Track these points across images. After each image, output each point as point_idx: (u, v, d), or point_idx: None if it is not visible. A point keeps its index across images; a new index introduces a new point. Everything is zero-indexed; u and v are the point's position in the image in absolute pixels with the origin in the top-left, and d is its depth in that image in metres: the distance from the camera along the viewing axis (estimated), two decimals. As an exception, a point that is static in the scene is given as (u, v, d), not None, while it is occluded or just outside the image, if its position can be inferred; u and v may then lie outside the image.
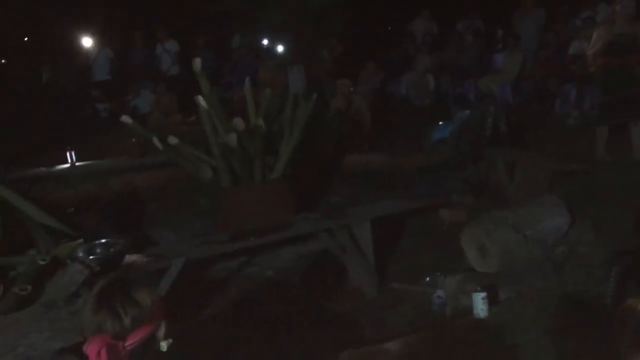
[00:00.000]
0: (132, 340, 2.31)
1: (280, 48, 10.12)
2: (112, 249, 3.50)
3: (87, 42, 9.81)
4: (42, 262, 3.21)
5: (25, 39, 11.26)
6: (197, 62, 4.65)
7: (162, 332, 2.46)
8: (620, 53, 5.42)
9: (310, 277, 4.57)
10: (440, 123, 6.03)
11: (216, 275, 4.52)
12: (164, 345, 2.44)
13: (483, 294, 3.26)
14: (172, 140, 4.56)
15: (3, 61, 11.38)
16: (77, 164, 5.66)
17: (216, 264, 4.59)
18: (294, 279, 4.52)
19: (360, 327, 3.97)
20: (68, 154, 5.64)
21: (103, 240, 3.62)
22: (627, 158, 5.40)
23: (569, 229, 4.06)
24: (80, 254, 3.35)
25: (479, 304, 3.27)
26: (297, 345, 3.55)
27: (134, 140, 5.67)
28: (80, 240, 3.48)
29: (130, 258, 3.65)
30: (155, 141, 4.55)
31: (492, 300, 3.37)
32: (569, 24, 8.35)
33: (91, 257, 3.39)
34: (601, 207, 4.52)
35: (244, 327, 3.75)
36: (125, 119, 4.72)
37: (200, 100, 4.77)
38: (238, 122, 4.46)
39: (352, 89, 7.79)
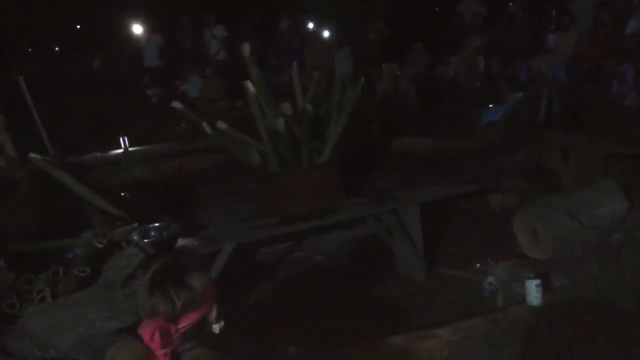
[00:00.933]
0: (184, 323, 2.38)
1: (326, 31, 10.08)
2: (165, 233, 3.59)
3: (137, 28, 10.00)
4: (99, 245, 3.32)
5: (78, 26, 11.57)
6: (246, 47, 4.66)
7: (213, 315, 2.52)
8: None
9: (358, 262, 4.57)
10: (491, 106, 5.89)
11: (265, 259, 4.58)
12: (216, 328, 2.51)
13: (537, 281, 3.17)
14: (221, 125, 4.60)
15: (57, 49, 11.74)
16: (130, 149, 5.80)
17: (265, 248, 4.64)
18: (343, 264, 4.53)
19: (409, 312, 3.95)
20: (121, 139, 5.78)
21: (157, 224, 3.72)
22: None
23: (626, 215, 3.92)
24: (135, 237, 3.45)
25: (533, 291, 3.18)
26: (346, 329, 3.56)
27: (184, 125, 5.76)
28: (135, 224, 3.58)
29: (182, 242, 3.73)
30: (205, 126, 4.60)
31: (545, 288, 3.29)
32: (626, 1, 7.99)
33: (146, 240, 3.49)
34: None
35: (293, 311, 3.78)
36: (176, 104, 4.79)
37: (249, 85, 4.79)
38: (286, 107, 4.46)
39: (399, 72, 7.70)
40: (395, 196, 4.57)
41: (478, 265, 4.00)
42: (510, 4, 9.54)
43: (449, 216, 5.08)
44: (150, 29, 9.83)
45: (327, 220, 4.42)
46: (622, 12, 8.06)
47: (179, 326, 2.33)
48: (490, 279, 3.71)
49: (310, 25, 10.69)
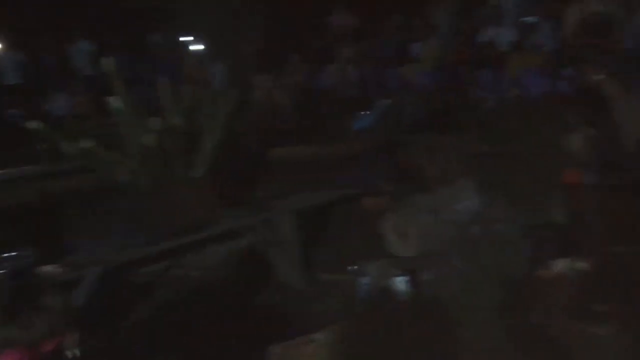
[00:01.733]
0: (42, 350, 2.27)
1: (201, 44, 9.98)
2: (22, 261, 3.34)
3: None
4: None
5: None
6: (108, 62, 4.51)
7: (72, 341, 2.42)
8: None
9: (237, 275, 4.53)
10: (362, 112, 6.10)
11: (140, 280, 4.40)
12: (72, 354, 2.41)
13: (405, 278, 3.34)
14: (86, 143, 4.40)
15: None
16: (-14, 173, 5.37)
17: (140, 268, 4.47)
18: (220, 278, 4.47)
19: (289, 320, 3.97)
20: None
21: (13, 253, 3.46)
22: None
23: (484, 209, 4.20)
24: (-13, 269, 3.18)
25: (402, 287, 3.34)
26: (225, 344, 3.52)
27: (44, 146, 5.43)
28: (-16, 257, 3.30)
29: (43, 269, 3.50)
30: (66, 146, 4.38)
31: (414, 283, 3.46)
32: (481, 12, 8.63)
33: (1, 271, 3.24)
34: (516, 185, 4.74)
35: (168, 333, 3.67)
36: (34, 124, 4.52)
37: (114, 101, 4.62)
38: (155, 122, 4.37)
39: (274, 83, 7.78)
40: (270, 205, 4.60)
41: (353, 267, 4.10)
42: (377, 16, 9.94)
43: (326, 222, 5.17)
44: (7, 45, 9.22)
45: (201, 235, 4.35)
46: (479, 22, 8.70)
47: (38, 353, 2.25)
48: (365, 279, 3.82)
49: (186, 38, 10.54)
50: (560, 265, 3.39)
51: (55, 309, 2.32)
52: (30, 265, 3.32)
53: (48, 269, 3.52)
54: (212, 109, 4.87)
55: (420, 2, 9.67)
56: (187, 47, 9.94)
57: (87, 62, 9.00)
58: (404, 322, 3.36)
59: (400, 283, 3.33)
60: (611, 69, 4.01)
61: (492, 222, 4.16)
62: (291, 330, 3.81)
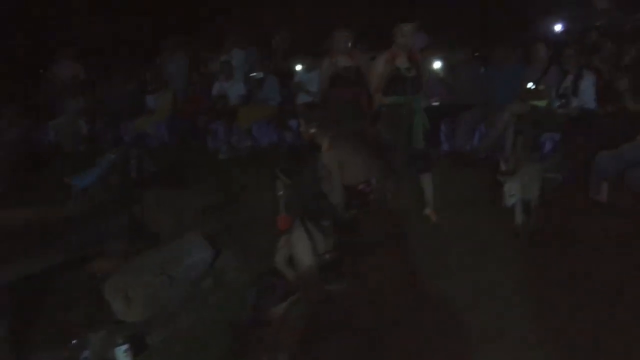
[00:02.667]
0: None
1: None
2: None
3: None
4: None
5: None
6: None
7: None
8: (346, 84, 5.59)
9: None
10: (87, 169, 5.72)
11: None
12: None
13: (124, 347, 3.11)
14: None
15: None
16: None
17: None
18: None
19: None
20: None
21: None
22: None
23: (214, 261, 4.20)
24: None
25: (122, 357, 3.11)
26: None
27: None
28: None
29: None
30: None
31: (138, 349, 3.25)
32: (210, 66, 8.86)
33: None
34: (247, 234, 4.86)
35: None
36: None
37: None
38: None
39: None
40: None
41: (74, 341, 3.71)
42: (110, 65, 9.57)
43: (49, 291, 4.66)
44: None
45: None
46: (209, 75, 8.89)
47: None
48: (86, 353, 3.48)
49: None
50: (283, 308, 3.51)
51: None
52: None
53: None
54: None
55: (153, 53, 9.61)
56: None
57: None
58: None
59: (121, 353, 3.09)
60: (321, 123, 4.41)
61: (223, 273, 4.19)
62: None
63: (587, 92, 5.75)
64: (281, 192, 4.06)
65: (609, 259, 3.89)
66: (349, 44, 5.60)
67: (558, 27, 7.78)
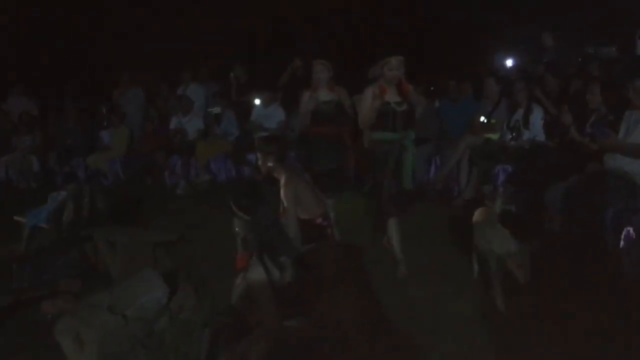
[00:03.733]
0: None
1: None
2: None
3: None
4: None
5: None
6: None
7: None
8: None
9: None
10: (39, 207, 5.55)
11: None
12: None
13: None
14: None
15: None
16: None
17: None
18: None
19: None
20: None
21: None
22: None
23: (170, 299, 4.09)
24: None
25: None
26: None
27: None
28: None
29: None
30: None
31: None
32: (168, 101, 8.82)
33: None
34: (203, 271, 4.78)
35: None
36: None
37: None
38: None
39: None
40: None
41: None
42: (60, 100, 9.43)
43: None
44: None
45: None
46: (166, 110, 8.84)
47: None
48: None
49: None
50: (241, 347, 3.44)
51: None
52: None
53: None
54: None
55: (108, 88, 9.52)
56: None
57: None
58: None
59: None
60: (278, 157, 4.42)
61: (179, 312, 4.08)
62: None
63: (537, 125, 5.96)
64: (237, 229, 4.01)
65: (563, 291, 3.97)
66: (330, 75, 5.25)
67: (508, 62, 8.11)
